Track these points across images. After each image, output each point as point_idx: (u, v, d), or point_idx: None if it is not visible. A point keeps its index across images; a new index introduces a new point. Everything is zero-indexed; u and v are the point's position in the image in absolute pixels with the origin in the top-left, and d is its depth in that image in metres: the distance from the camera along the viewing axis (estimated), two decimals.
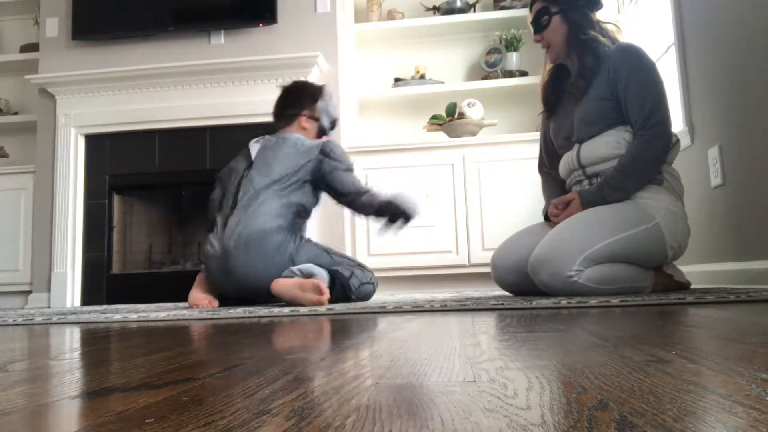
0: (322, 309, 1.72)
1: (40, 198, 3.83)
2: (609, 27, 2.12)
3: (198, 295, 2.26)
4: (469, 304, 1.62)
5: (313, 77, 3.70)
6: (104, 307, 3.19)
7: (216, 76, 3.74)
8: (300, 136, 2.42)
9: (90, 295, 3.75)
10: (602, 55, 2.04)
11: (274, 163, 2.31)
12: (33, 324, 1.73)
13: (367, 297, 2.26)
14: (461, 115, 3.83)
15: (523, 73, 4.00)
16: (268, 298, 2.15)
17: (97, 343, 1.08)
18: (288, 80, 3.66)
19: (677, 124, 2.58)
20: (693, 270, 2.38)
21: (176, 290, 3.64)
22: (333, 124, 2.56)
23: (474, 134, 3.82)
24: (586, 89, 2.05)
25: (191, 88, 3.77)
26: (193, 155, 3.76)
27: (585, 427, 0.36)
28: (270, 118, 3.77)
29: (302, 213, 2.33)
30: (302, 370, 0.63)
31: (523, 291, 2.12)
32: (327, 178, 2.30)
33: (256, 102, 3.69)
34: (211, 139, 3.74)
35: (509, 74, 3.99)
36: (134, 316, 1.77)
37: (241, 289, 2.20)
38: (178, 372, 0.65)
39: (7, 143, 4.28)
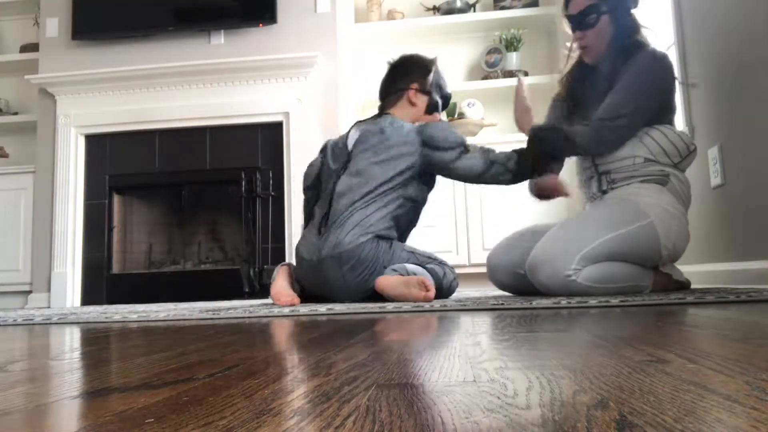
0: (322, 309, 1.72)
1: (40, 198, 3.83)
2: (647, 32, 2.04)
3: (283, 290, 2.15)
4: (469, 304, 1.62)
5: (313, 77, 3.70)
6: (104, 307, 3.19)
7: (216, 76, 3.74)
8: (397, 119, 2.24)
9: (90, 295, 3.75)
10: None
11: (371, 166, 2.17)
12: (33, 324, 1.73)
13: (452, 292, 2.23)
14: (461, 115, 3.83)
15: (524, 73, 3.99)
16: (363, 298, 2.10)
17: (97, 343, 1.08)
18: (290, 80, 3.70)
19: (677, 124, 2.57)
20: (693, 270, 2.38)
21: (176, 290, 3.64)
22: (446, 100, 2.40)
23: (474, 134, 3.82)
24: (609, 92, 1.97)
25: (191, 88, 3.77)
26: (193, 155, 3.76)
27: (585, 427, 0.36)
28: (274, 118, 3.76)
29: (410, 206, 2.21)
30: (302, 370, 0.63)
31: (519, 291, 2.12)
32: (446, 172, 2.18)
33: (256, 102, 3.70)
34: (211, 139, 3.74)
35: (509, 74, 3.99)
36: (134, 316, 1.77)
37: (335, 292, 2.13)
38: (178, 372, 0.65)
39: (7, 143, 4.28)
